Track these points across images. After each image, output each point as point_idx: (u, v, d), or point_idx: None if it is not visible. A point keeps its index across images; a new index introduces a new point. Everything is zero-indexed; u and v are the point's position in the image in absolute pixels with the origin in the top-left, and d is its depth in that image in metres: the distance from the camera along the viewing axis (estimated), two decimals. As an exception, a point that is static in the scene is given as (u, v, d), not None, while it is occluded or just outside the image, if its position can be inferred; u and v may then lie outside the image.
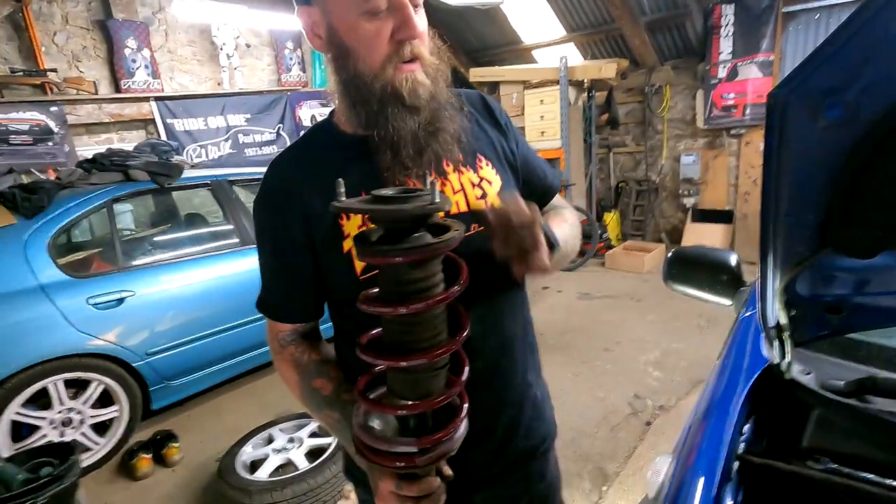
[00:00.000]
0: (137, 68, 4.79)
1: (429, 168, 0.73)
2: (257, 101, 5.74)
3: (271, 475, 2.21)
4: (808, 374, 0.89)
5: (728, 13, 4.85)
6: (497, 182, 0.80)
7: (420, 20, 0.68)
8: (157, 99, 4.93)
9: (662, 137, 5.73)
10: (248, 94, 5.66)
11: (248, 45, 5.59)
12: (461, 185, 0.77)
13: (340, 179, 0.54)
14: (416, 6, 0.67)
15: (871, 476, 0.71)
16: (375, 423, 0.60)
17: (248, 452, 2.34)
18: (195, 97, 5.26)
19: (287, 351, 0.84)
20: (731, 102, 5.06)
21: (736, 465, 0.81)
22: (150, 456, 2.53)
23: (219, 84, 5.50)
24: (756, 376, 0.92)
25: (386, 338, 0.58)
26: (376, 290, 0.59)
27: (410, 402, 0.57)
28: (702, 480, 0.78)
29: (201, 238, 3.31)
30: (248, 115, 5.65)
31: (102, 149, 3.29)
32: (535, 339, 0.92)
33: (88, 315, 2.50)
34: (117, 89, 4.75)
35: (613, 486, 2.23)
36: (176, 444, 2.61)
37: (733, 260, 1.29)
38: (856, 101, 0.57)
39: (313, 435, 2.44)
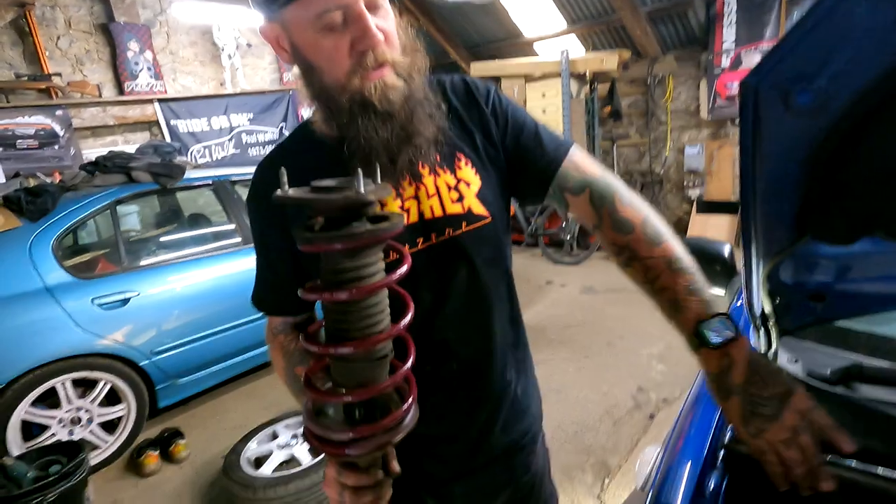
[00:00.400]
0: (140, 71, 4.84)
1: (403, 174, 0.72)
2: (260, 101, 5.78)
3: (275, 471, 2.23)
4: (796, 362, 0.89)
5: (731, 1, 4.79)
6: (476, 183, 0.78)
7: (383, 20, 0.66)
8: (160, 101, 4.98)
9: (666, 129, 5.69)
10: (250, 93, 5.70)
11: (249, 45, 5.62)
12: (436, 188, 0.75)
13: (283, 168, 0.54)
14: (375, 8, 0.65)
15: (854, 463, 0.71)
16: (331, 411, 0.60)
17: (252, 449, 2.37)
18: (198, 98, 5.30)
19: (277, 339, 0.87)
20: (735, 92, 5.00)
21: (721, 453, 0.81)
22: (157, 453, 2.57)
23: (221, 84, 5.54)
24: (740, 333, 0.92)
25: (326, 326, 0.58)
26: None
27: (344, 391, 0.57)
28: (687, 469, 0.78)
29: (204, 238, 3.34)
30: (251, 115, 5.69)
31: (108, 152, 3.33)
32: (523, 335, 0.90)
33: (94, 315, 2.54)
34: (121, 92, 4.80)
35: (615, 479, 2.23)
36: (183, 442, 2.65)
37: (726, 250, 1.28)
38: (826, 88, 0.56)
39: (316, 431, 2.46)
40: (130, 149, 3.66)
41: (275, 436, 2.46)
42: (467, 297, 0.78)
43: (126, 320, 2.64)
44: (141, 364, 2.69)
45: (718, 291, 1.29)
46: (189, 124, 5.23)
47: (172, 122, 5.09)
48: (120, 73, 4.77)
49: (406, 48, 0.70)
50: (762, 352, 0.87)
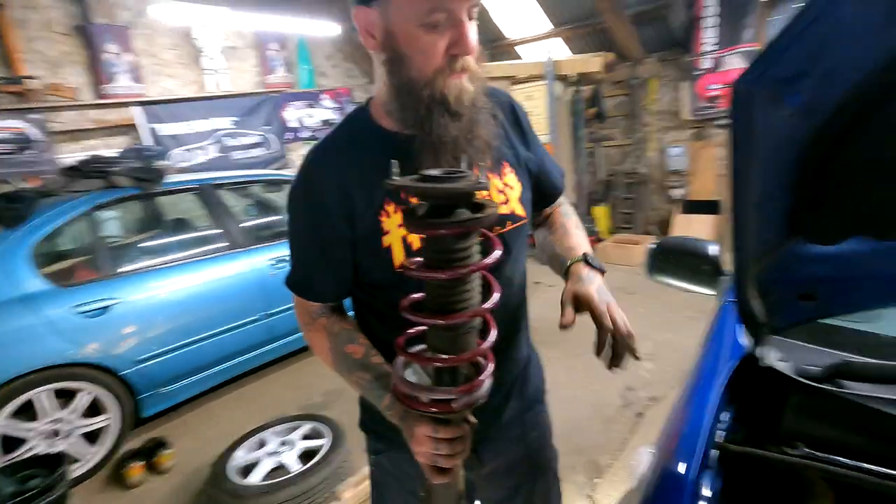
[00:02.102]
0: (119, 73, 4.74)
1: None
2: (243, 104, 5.70)
3: (264, 479, 2.20)
4: (785, 360, 0.90)
5: (711, 3, 4.87)
6: (518, 188, 0.90)
7: (473, 32, 0.72)
8: (140, 104, 4.88)
9: (649, 130, 5.76)
10: (233, 96, 5.62)
11: (231, 47, 5.53)
12: (487, 190, 0.86)
13: (394, 161, 0.59)
14: (471, 18, 0.71)
15: (846, 460, 0.71)
16: (411, 378, 0.68)
17: (240, 457, 2.33)
18: (179, 101, 5.21)
19: (318, 322, 0.90)
20: (716, 93, 5.08)
21: (715, 453, 0.81)
22: (141, 464, 2.51)
23: (203, 87, 5.45)
24: (735, 364, 0.93)
25: (429, 300, 0.64)
26: (418, 259, 0.66)
27: (448, 357, 0.65)
28: (681, 470, 0.78)
29: (189, 243, 3.29)
30: (234, 118, 5.61)
31: (87, 156, 3.25)
32: (527, 318, 1.05)
33: (74, 324, 2.47)
34: (99, 95, 4.70)
35: (606, 478, 2.24)
36: (168, 451, 2.59)
37: (714, 250, 1.30)
38: (816, 89, 0.57)
39: (306, 437, 2.43)
40: (110, 153, 3.58)
41: (263, 443, 2.43)
42: (506, 285, 0.88)
43: (107, 328, 2.58)
44: (123, 373, 2.63)
45: (707, 290, 1.31)
46: (170, 128, 5.13)
47: (153, 125, 4.98)
48: (98, 75, 4.66)
49: (478, 59, 0.76)
50: (752, 350, 0.88)
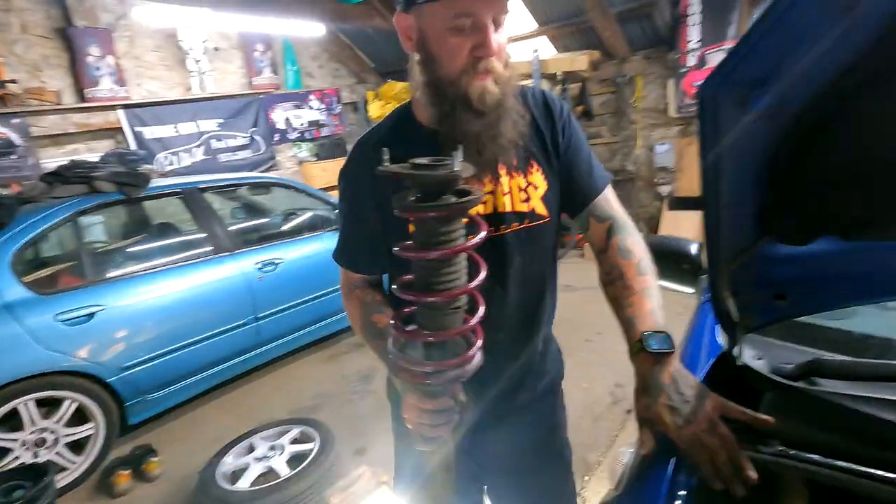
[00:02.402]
0: (102, 76, 4.69)
1: (486, 168, 0.86)
2: (229, 106, 5.66)
3: (253, 484, 2.18)
4: (760, 359, 0.91)
5: (695, 1, 4.91)
6: (543, 187, 0.92)
7: (499, 37, 0.78)
8: (124, 107, 4.83)
9: (636, 127, 5.79)
10: (218, 98, 5.58)
11: (216, 49, 5.49)
12: (510, 188, 0.90)
13: (385, 148, 0.65)
14: (498, 25, 0.77)
15: (819, 458, 0.72)
16: (410, 351, 0.73)
17: (228, 463, 2.32)
18: (164, 104, 5.16)
19: (354, 293, 1.00)
20: (701, 90, 5.11)
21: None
22: (128, 472, 2.48)
23: (188, 89, 5.40)
24: (711, 363, 0.93)
25: (415, 279, 0.70)
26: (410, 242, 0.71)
27: (426, 333, 0.70)
28: (657, 468, 0.79)
29: (175, 247, 3.25)
30: (221, 120, 5.57)
31: (68, 161, 3.21)
32: (554, 308, 1.07)
33: (57, 332, 2.44)
34: (82, 98, 4.64)
35: (595, 475, 2.25)
36: (155, 459, 2.57)
37: (693, 248, 1.31)
38: (780, 92, 0.57)
39: (295, 441, 2.42)
40: (94, 157, 3.54)
41: (252, 448, 2.41)
42: (520, 281, 0.93)
43: (91, 335, 2.55)
44: (109, 380, 2.60)
45: (687, 289, 1.32)
46: (155, 131, 5.08)
47: (137, 128, 4.94)
48: (80, 78, 4.61)
49: (507, 63, 0.82)
50: (727, 349, 0.89)
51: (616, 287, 0.89)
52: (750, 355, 0.90)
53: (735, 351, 0.88)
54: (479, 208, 0.89)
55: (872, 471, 0.66)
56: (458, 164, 0.62)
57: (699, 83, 0.60)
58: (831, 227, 0.67)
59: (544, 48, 5.75)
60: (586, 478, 2.24)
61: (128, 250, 3.25)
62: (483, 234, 0.69)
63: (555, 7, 5.50)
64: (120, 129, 4.86)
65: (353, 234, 0.99)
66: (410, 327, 0.74)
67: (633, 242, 0.94)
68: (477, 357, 0.72)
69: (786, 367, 0.87)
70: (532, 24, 5.83)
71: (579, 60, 5.05)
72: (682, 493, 0.75)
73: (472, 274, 0.71)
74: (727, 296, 0.83)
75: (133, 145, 4.85)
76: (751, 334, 0.92)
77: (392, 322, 0.74)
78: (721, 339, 0.95)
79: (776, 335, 0.98)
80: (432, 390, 0.72)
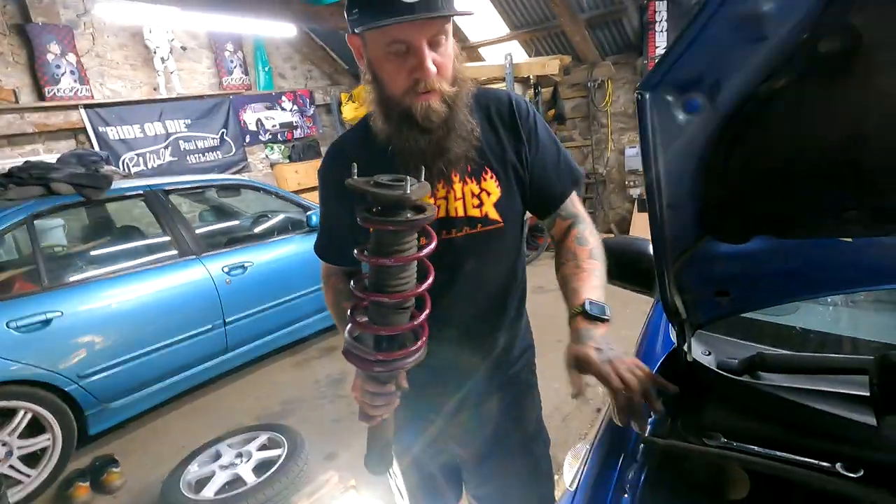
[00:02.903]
0: (62, 74, 4.53)
1: (437, 178, 0.91)
2: (198, 106, 5.54)
3: (218, 493, 2.14)
4: (708, 354, 0.94)
5: (661, 9, 5.04)
6: (496, 194, 0.96)
7: (440, 56, 0.81)
8: (86, 106, 4.67)
9: (607, 131, 5.90)
10: (187, 98, 5.45)
11: (183, 48, 5.36)
12: (462, 194, 0.94)
13: (354, 163, 0.74)
14: (437, 45, 0.81)
15: (759, 449, 0.75)
16: (366, 339, 0.82)
17: (193, 471, 2.26)
18: (129, 104, 5.02)
19: (331, 281, 1.09)
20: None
21: (641, 447, 0.84)
22: (87, 484, 2.39)
23: (155, 89, 5.26)
24: (662, 359, 0.96)
25: (370, 280, 0.79)
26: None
27: (375, 326, 0.79)
28: (608, 464, 0.81)
29: (138, 251, 3.16)
30: (189, 121, 5.44)
31: (22, 162, 3.08)
32: (520, 305, 1.11)
33: (9, 340, 2.34)
34: (41, 97, 4.47)
35: (565, 474, 2.27)
36: (116, 469, 2.48)
37: (650, 249, 1.34)
38: (711, 93, 0.60)
39: (262, 448, 2.38)
40: (52, 158, 3.41)
41: (218, 456, 2.36)
42: (474, 282, 0.98)
43: (48, 343, 2.45)
44: (67, 389, 2.51)
45: (645, 288, 1.35)
46: (120, 131, 4.93)
47: (101, 129, 4.78)
48: (39, 77, 4.44)
49: (455, 79, 0.86)
50: (677, 345, 0.92)
51: (567, 266, 0.96)
52: (699, 351, 0.93)
53: (685, 347, 0.91)
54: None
55: (806, 459, 0.69)
56: (412, 187, 0.70)
57: (638, 87, 0.62)
58: (765, 226, 0.70)
59: (517, 52, 5.81)
60: (557, 477, 2.26)
61: (89, 254, 3.14)
62: (432, 245, 0.78)
63: (526, 12, 5.58)
64: (82, 130, 4.70)
65: (328, 229, 1.07)
66: (366, 318, 0.82)
67: (591, 234, 1.01)
68: (420, 352, 0.81)
69: (731, 362, 0.90)
70: (504, 29, 5.89)
71: (551, 65, 5.12)
72: (630, 485, 0.77)
73: (422, 278, 0.80)
74: (674, 294, 0.85)
75: (96, 146, 4.70)
76: (700, 331, 0.95)
77: (349, 312, 0.82)
78: (671, 335, 0.98)
79: (724, 331, 1.01)
80: (378, 376, 0.82)
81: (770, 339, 0.98)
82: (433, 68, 0.80)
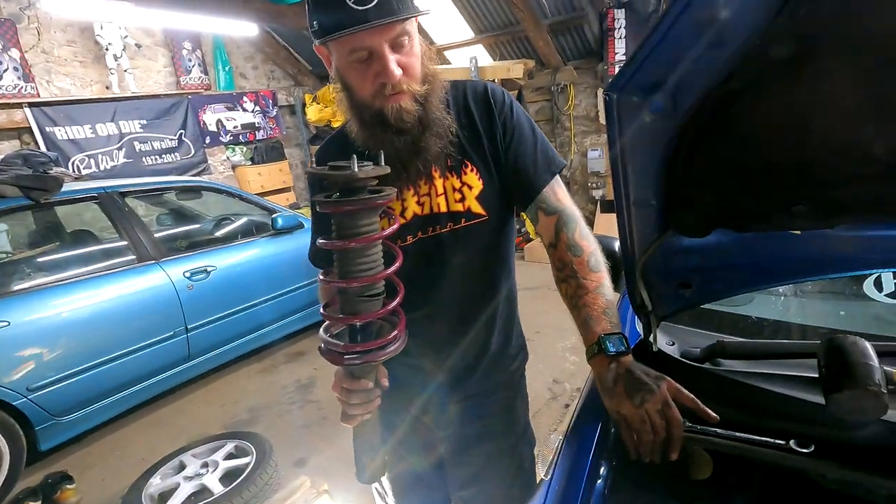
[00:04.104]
0: (4, 71, 4.28)
1: (418, 175, 0.92)
2: (154, 106, 5.33)
3: (183, 505, 2.06)
4: (672, 344, 0.99)
5: (620, 17, 5.21)
6: (478, 187, 0.95)
7: (405, 57, 0.81)
8: (31, 105, 4.43)
9: (570, 134, 6.05)
10: (142, 97, 5.24)
11: (138, 46, 5.16)
12: (444, 189, 0.94)
13: (316, 154, 0.77)
14: (400, 47, 0.80)
15: (718, 430, 0.79)
16: (340, 334, 0.82)
17: (156, 484, 2.18)
18: (79, 102, 4.78)
19: (322, 281, 1.05)
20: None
21: (612, 434, 0.87)
22: (39, 502, 2.26)
23: (107, 88, 5.04)
24: (631, 349, 1.00)
25: (336, 268, 0.78)
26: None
27: (342, 316, 0.78)
28: (580, 453, 0.84)
29: (92, 257, 3.01)
30: (144, 121, 5.24)
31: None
32: (510, 304, 1.11)
33: (-50, 352, 2.19)
34: (-20, 95, 4.21)
35: (535, 470, 2.31)
36: (71, 486, 2.36)
37: (616, 245, 1.39)
38: (673, 95, 0.63)
39: (230, 456, 2.31)
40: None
41: (182, 467, 2.28)
42: (460, 277, 0.98)
43: (-8, 355, 2.31)
44: (14, 403, 2.36)
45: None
46: (69, 131, 4.69)
47: (48, 128, 4.54)
48: (-21, 73, 4.18)
49: (426, 77, 0.86)
50: (643, 337, 0.96)
51: (570, 285, 0.90)
52: (663, 341, 0.97)
53: (651, 338, 0.95)
54: (417, 209, 0.95)
55: (763, 438, 0.74)
56: (361, 164, 0.71)
57: (606, 88, 0.65)
58: (724, 219, 0.75)
59: (482, 56, 5.88)
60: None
61: (37, 261, 2.97)
62: (395, 227, 0.79)
63: (491, 17, 5.66)
64: (27, 129, 4.45)
65: (315, 233, 1.07)
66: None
67: (582, 236, 0.93)
68: (398, 343, 0.79)
69: (694, 350, 0.95)
70: (469, 33, 5.95)
71: (515, 69, 5.21)
72: (603, 471, 0.80)
73: (390, 263, 0.79)
74: (640, 286, 0.89)
75: (43, 147, 4.45)
76: (664, 322, 0.99)
77: (322, 307, 0.83)
78: (639, 327, 1.02)
79: (686, 322, 1.06)
80: (353, 370, 0.80)
81: (728, 329, 1.04)
82: (398, 71, 0.80)
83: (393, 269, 0.79)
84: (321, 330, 0.82)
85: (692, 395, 0.73)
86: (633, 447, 0.74)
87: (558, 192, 0.98)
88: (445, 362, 1.05)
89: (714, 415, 0.72)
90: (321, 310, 0.83)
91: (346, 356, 0.77)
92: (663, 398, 0.72)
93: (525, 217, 1.08)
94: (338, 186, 0.75)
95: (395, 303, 0.80)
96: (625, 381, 0.75)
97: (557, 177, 0.98)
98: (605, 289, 0.89)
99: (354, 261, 0.75)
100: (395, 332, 0.80)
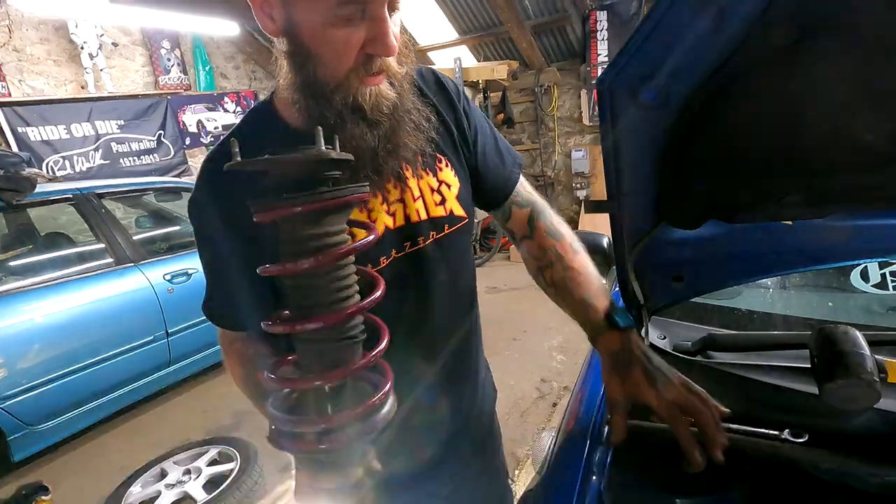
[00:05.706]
0: (-27, 70, 4.13)
1: (388, 178, 0.71)
2: (132, 106, 5.21)
3: (165, 514, 2.01)
4: (664, 338, 0.99)
5: (602, 19, 5.28)
6: (455, 184, 0.79)
7: (395, 27, 0.61)
8: (2, 104, 4.29)
9: (554, 135, 6.10)
10: (119, 98, 5.12)
11: (114, 44, 5.04)
12: (420, 190, 0.75)
13: (234, 139, 0.49)
14: (393, 11, 0.60)
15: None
16: (301, 412, 0.53)
17: (136, 493, 2.12)
18: (53, 102, 4.65)
19: (233, 347, 0.79)
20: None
21: (606, 429, 0.87)
22: (12, 515, 2.18)
23: (83, 87, 4.91)
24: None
25: (290, 307, 0.53)
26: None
27: (310, 378, 0.51)
28: (575, 447, 0.83)
29: (68, 260, 2.93)
30: (122, 122, 5.11)
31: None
32: (479, 327, 0.96)
33: (-84, 361, 2.10)
34: (-52, 94, 4.06)
35: (525, 469, 2.31)
36: (47, 497, 2.26)
37: (605, 242, 1.39)
38: (666, 86, 0.63)
39: (213, 463, 2.26)
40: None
41: (163, 474, 2.22)
42: (448, 300, 0.81)
43: (-38, 363, 2.22)
44: (-14, 413, 2.28)
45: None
46: (43, 132, 4.56)
47: (20, 129, 4.40)
48: (-54, 71, 4.04)
49: (400, 55, 0.65)
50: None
51: (555, 269, 0.83)
52: (655, 335, 0.97)
53: (643, 332, 0.95)
54: (388, 221, 0.73)
55: (757, 430, 0.74)
56: (325, 146, 0.47)
57: (598, 79, 0.64)
58: (715, 211, 0.75)
59: (466, 57, 5.90)
60: (517, 471, 2.30)
61: (9, 264, 2.87)
62: (372, 237, 0.54)
63: (475, 18, 5.67)
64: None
65: (220, 280, 0.77)
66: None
67: (558, 222, 0.89)
68: (388, 403, 0.52)
69: (685, 343, 0.95)
70: (453, 34, 5.96)
71: (499, 69, 5.23)
72: (598, 467, 0.79)
73: (368, 291, 0.54)
74: (632, 280, 0.89)
75: (15, 147, 4.32)
76: (655, 316, 0.99)
77: (266, 374, 0.52)
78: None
79: (677, 316, 1.07)
80: (331, 458, 0.52)
81: (718, 322, 1.05)
82: (395, 43, 0.60)
83: (379, 293, 0.54)
84: (269, 407, 0.52)
85: (701, 389, 0.67)
86: (621, 432, 0.67)
87: (526, 185, 0.91)
88: (441, 412, 0.86)
89: (725, 409, 0.65)
90: (267, 377, 0.52)
91: (323, 436, 0.48)
92: (681, 382, 0.65)
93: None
94: (294, 176, 0.49)
95: (383, 343, 0.54)
96: (641, 365, 0.68)
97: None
98: (592, 268, 0.84)
99: (328, 286, 0.49)
100: (386, 386, 0.53)
